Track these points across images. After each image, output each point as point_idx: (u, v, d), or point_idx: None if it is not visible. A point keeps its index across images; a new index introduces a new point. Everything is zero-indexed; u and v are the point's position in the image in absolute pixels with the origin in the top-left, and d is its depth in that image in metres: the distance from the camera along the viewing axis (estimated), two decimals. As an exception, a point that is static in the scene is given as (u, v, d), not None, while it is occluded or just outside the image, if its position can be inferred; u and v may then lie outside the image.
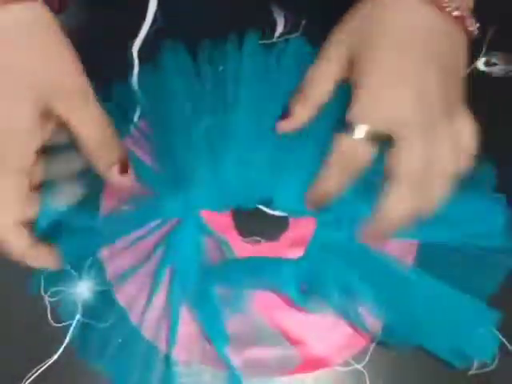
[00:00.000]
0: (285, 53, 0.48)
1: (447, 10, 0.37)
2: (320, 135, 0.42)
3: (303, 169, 0.44)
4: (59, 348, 0.41)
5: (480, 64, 0.49)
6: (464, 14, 0.38)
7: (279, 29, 0.49)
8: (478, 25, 0.39)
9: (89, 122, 0.36)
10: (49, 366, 0.41)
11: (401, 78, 0.36)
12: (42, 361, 0.41)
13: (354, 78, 0.38)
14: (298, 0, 0.50)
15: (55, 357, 0.41)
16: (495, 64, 0.49)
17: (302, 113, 0.40)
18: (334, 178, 0.38)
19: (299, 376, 0.41)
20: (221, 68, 0.47)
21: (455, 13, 0.37)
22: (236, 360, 0.41)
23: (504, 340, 0.41)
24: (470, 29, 0.38)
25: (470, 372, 0.41)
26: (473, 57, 0.49)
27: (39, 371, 0.41)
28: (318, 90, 0.40)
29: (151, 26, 0.48)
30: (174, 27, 0.48)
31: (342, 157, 0.37)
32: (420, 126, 0.36)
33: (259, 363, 0.41)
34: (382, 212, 0.36)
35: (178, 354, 0.41)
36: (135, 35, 0.48)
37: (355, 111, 0.36)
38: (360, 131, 0.36)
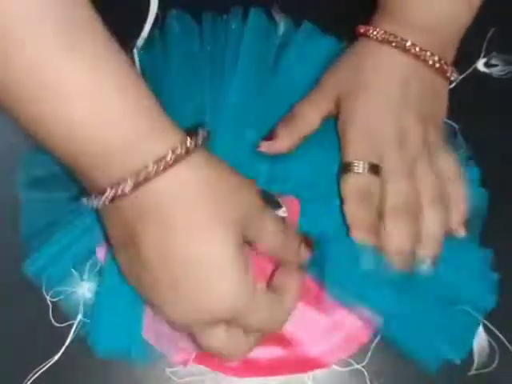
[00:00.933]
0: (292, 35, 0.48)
1: (429, 63, 0.42)
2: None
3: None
4: (61, 348, 0.41)
5: (480, 65, 0.49)
6: (444, 66, 0.42)
7: (280, 30, 0.49)
8: (456, 75, 0.44)
9: (270, 234, 0.37)
10: (50, 366, 0.41)
11: (381, 124, 0.41)
12: (43, 361, 0.41)
13: (341, 122, 0.43)
14: (298, 2, 0.50)
15: (56, 357, 0.41)
16: (495, 65, 0.49)
17: (287, 139, 0.43)
18: (360, 213, 0.41)
19: (300, 376, 0.41)
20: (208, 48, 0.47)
21: (437, 65, 0.42)
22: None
23: (504, 340, 0.42)
24: (451, 78, 0.44)
25: (470, 372, 0.41)
26: (473, 58, 0.49)
27: (40, 371, 0.41)
28: (306, 122, 0.43)
29: (153, 26, 0.48)
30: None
31: (354, 193, 0.41)
32: (400, 163, 0.41)
33: (254, 363, 0.41)
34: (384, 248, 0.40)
35: (173, 355, 0.41)
36: (135, 35, 0.49)
37: (350, 153, 0.42)
38: (360, 167, 0.41)
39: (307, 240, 0.40)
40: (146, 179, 0.31)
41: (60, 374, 0.41)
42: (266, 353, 0.41)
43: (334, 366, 0.41)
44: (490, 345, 0.42)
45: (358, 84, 0.42)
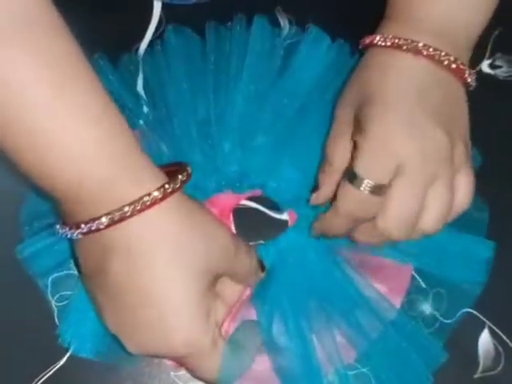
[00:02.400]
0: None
1: (445, 63, 0.38)
2: (320, 125, 0.44)
3: (300, 158, 0.45)
4: (66, 353, 0.41)
5: (484, 66, 0.49)
6: (461, 66, 0.39)
7: (284, 32, 0.49)
8: (474, 78, 0.40)
9: (241, 277, 0.38)
10: (56, 371, 0.41)
11: (402, 132, 0.37)
12: (49, 365, 0.41)
13: (356, 132, 0.38)
14: (302, 3, 0.50)
15: (62, 362, 0.41)
16: (499, 66, 0.49)
17: (330, 182, 0.40)
18: (341, 226, 0.39)
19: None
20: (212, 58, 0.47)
21: (453, 65, 0.38)
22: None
23: (509, 342, 0.42)
24: (468, 80, 0.40)
25: (476, 375, 0.41)
26: (477, 59, 0.49)
27: (46, 376, 0.41)
28: (342, 157, 0.39)
29: (156, 30, 0.48)
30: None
31: (349, 210, 0.38)
32: (417, 178, 0.36)
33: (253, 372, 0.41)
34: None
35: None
36: (138, 39, 0.49)
37: (361, 163, 0.37)
38: (364, 185, 0.36)
39: (263, 267, 0.40)
40: (121, 219, 0.31)
41: (65, 378, 0.41)
42: (261, 361, 0.41)
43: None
44: (496, 348, 0.42)
45: (374, 96, 0.38)
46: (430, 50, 0.38)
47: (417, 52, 0.38)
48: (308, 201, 0.42)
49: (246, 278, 0.38)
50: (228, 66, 0.46)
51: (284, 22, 0.49)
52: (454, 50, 0.39)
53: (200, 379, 0.37)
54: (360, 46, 0.42)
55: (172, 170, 0.35)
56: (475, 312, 0.42)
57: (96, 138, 0.31)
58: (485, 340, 0.42)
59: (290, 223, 0.45)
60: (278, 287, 0.42)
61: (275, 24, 0.49)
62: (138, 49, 0.48)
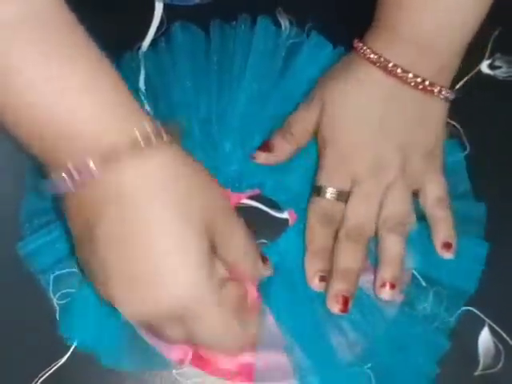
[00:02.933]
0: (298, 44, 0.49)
1: (412, 84, 0.41)
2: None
3: (299, 158, 0.45)
4: (68, 351, 0.41)
5: (484, 67, 0.49)
6: (429, 87, 0.41)
7: (285, 33, 0.49)
8: (448, 94, 0.42)
9: (234, 245, 0.36)
10: (57, 368, 0.41)
11: (357, 149, 0.42)
12: (50, 363, 0.41)
13: (319, 138, 0.44)
14: (302, 4, 0.50)
15: (63, 360, 0.41)
16: (499, 67, 0.49)
17: (285, 148, 0.44)
18: (321, 239, 0.42)
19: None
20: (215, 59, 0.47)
21: (420, 86, 0.41)
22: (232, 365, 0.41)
23: (509, 340, 0.42)
24: (441, 96, 0.42)
25: (476, 373, 0.41)
26: (477, 59, 0.49)
27: (47, 374, 0.41)
28: (303, 131, 0.44)
29: (157, 31, 0.48)
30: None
31: (318, 217, 0.42)
32: (368, 190, 0.42)
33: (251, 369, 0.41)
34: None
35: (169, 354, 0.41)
36: (139, 40, 0.49)
37: (322, 177, 0.43)
38: (329, 193, 0.42)
39: (265, 259, 0.40)
40: (116, 160, 0.30)
41: (66, 377, 0.41)
42: (262, 358, 0.41)
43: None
44: (496, 346, 0.42)
45: (339, 102, 0.43)
46: (399, 70, 0.41)
47: (387, 71, 0.41)
48: (253, 158, 0.44)
49: (240, 261, 0.37)
50: (231, 65, 0.47)
51: (285, 22, 0.50)
52: (432, 66, 0.41)
53: (201, 342, 0.35)
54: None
55: None
56: (475, 310, 0.42)
57: (91, 85, 0.31)
58: (485, 338, 0.42)
59: (290, 222, 0.45)
60: (279, 287, 0.42)
61: (276, 25, 0.49)
62: (139, 49, 0.49)
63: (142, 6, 0.50)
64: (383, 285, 0.41)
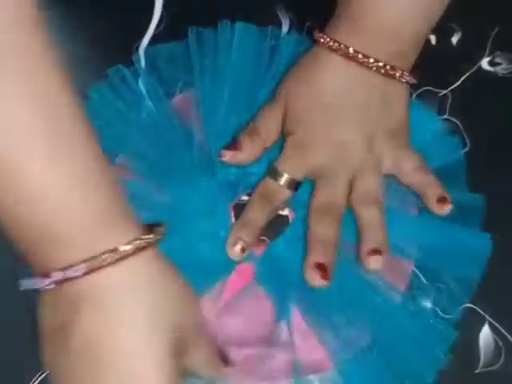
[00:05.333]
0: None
1: (373, 69, 0.42)
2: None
3: None
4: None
5: (484, 63, 0.49)
6: (390, 71, 0.42)
7: (284, 30, 0.49)
8: (409, 78, 0.43)
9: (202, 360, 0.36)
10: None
11: (317, 136, 0.43)
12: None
13: (284, 126, 0.44)
14: (302, 1, 0.50)
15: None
16: (499, 63, 0.49)
17: (253, 150, 0.44)
18: (255, 213, 0.43)
19: (306, 376, 0.41)
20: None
21: (382, 70, 0.42)
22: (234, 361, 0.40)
23: (510, 337, 0.42)
24: (402, 80, 0.43)
25: (477, 370, 0.41)
26: (477, 56, 0.49)
27: (46, 372, 0.41)
28: (270, 131, 0.44)
29: (157, 28, 0.48)
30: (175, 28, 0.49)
31: (263, 197, 0.43)
32: (332, 172, 0.42)
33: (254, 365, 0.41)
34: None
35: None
36: (139, 36, 0.49)
37: (281, 161, 0.43)
38: (283, 179, 0.43)
39: (225, 358, 0.39)
40: (99, 267, 0.30)
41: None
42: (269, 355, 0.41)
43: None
44: (496, 343, 0.42)
45: (301, 94, 0.43)
46: (360, 56, 0.42)
47: (348, 57, 0.42)
48: (220, 156, 0.44)
49: (204, 366, 0.37)
50: (214, 71, 0.47)
51: (285, 20, 0.50)
52: (388, 51, 0.42)
53: None
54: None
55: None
56: (475, 307, 0.42)
57: (81, 187, 0.30)
58: (485, 335, 0.42)
59: (290, 219, 0.45)
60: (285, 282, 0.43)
61: (276, 22, 0.49)
62: (138, 47, 0.49)
63: (141, 3, 0.50)
64: (369, 253, 0.41)
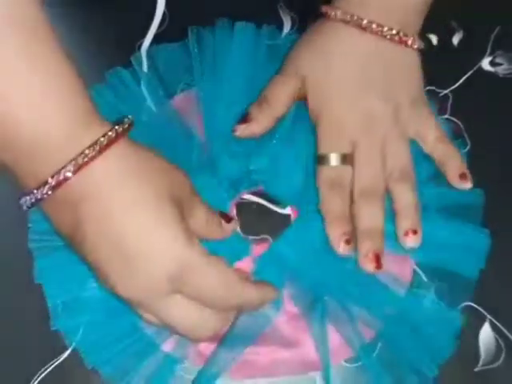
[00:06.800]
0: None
1: (388, 37, 0.42)
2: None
3: (300, 154, 0.45)
4: (66, 350, 0.41)
5: (485, 64, 0.49)
6: (403, 37, 0.43)
7: (286, 29, 0.49)
8: (420, 43, 0.43)
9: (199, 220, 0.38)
10: (56, 366, 0.41)
11: (346, 111, 0.43)
12: (49, 361, 0.41)
13: (310, 111, 0.44)
14: (304, 0, 0.50)
15: (63, 357, 0.41)
16: (500, 64, 0.49)
17: (263, 120, 0.44)
18: (332, 202, 0.42)
19: (308, 374, 0.41)
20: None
21: (396, 38, 0.43)
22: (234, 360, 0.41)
23: (510, 336, 0.42)
24: (414, 46, 0.43)
25: (477, 368, 0.41)
26: (478, 56, 0.49)
27: (46, 371, 0.41)
28: (280, 100, 0.44)
29: (159, 27, 0.48)
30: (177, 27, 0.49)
31: (328, 184, 0.43)
32: (369, 145, 0.42)
33: (253, 364, 0.41)
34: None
35: (169, 348, 0.41)
36: (140, 35, 0.49)
37: (322, 145, 0.43)
38: (333, 159, 0.42)
39: (225, 215, 0.41)
40: (85, 163, 0.33)
41: (67, 373, 0.41)
42: (266, 353, 0.41)
43: (343, 362, 0.41)
44: (497, 341, 0.42)
45: (321, 69, 0.43)
46: (374, 26, 0.42)
47: (362, 28, 0.42)
48: (233, 130, 0.44)
49: (203, 229, 0.39)
50: (214, 72, 0.47)
51: (286, 18, 0.50)
52: (398, 20, 0.43)
53: (204, 302, 0.36)
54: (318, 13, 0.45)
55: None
56: (476, 305, 0.42)
57: (53, 92, 0.33)
58: (486, 333, 0.42)
59: (292, 217, 0.45)
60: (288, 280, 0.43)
61: (277, 21, 0.49)
62: (140, 46, 0.49)
63: (142, 2, 0.50)
64: (406, 233, 0.42)
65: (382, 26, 0.42)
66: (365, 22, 0.42)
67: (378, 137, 0.43)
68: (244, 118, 0.44)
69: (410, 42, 0.43)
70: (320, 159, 0.43)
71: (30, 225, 0.44)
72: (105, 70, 0.47)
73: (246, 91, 0.47)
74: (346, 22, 0.43)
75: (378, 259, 0.41)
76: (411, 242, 0.42)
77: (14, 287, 0.43)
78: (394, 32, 0.42)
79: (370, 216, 0.42)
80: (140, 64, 0.47)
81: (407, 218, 0.42)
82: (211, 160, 0.45)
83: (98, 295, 0.42)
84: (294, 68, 0.45)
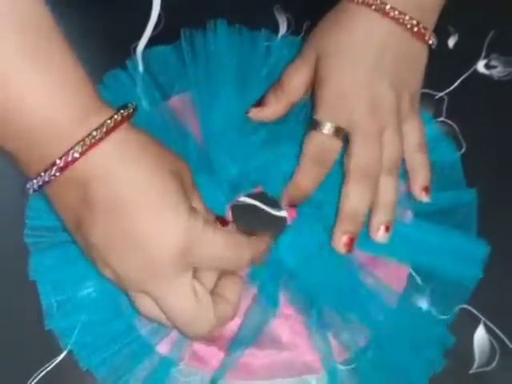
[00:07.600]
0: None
1: (408, 26, 0.42)
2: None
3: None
4: (62, 351, 0.41)
5: (480, 66, 0.49)
6: (422, 30, 0.42)
7: (282, 31, 0.49)
8: (434, 40, 0.43)
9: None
10: (53, 367, 0.41)
11: (354, 86, 0.42)
12: (45, 363, 0.41)
13: (316, 79, 0.43)
14: (300, 2, 0.50)
15: (60, 358, 0.41)
16: (495, 66, 0.49)
17: (277, 105, 0.45)
18: (309, 173, 0.43)
19: (303, 376, 0.41)
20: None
21: (415, 29, 0.42)
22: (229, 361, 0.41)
23: (504, 338, 0.42)
24: (430, 41, 0.43)
25: (471, 370, 0.42)
26: (473, 59, 0.49)
27: (44, 372, 0.41)
28: (295, 86, 0.44)
29: (154, 28, 0.48)
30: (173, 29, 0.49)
31: (314, 152, 0.42)
32: (370, 128, 0.42)
33: (249, 366, 0.41)
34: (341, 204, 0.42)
35: (165, 350, 0.41)
36: (136, 37, 0.49)
37: (320, 111, 0.42)
38: (327, 127, 0.41)
39: (222, 220, 0.42)
40: (93, 145, 0.33)
41: (64, 374, 0.41)
42: (261, 356, 0.41)
43: (337, 365, 0.41)
44: (491, 343, 0.42)
45: (335, 45, 0.43)
46: (396, 12, 0.42)
47: (384, 13, 0.42)
48: (247, 112, 0.45)
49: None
50: (209, 76, 0.47)
51: (282, 20, 0.50)
52: (419, 11, 0.42)
53: (218, 267, 0.38)
54: None
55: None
56: (470, 308, 0.43)
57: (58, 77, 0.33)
58: (480, 336, 0.42)
59: (288, 220, 0.45)
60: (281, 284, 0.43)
61: (273, 23, 0.50)
62: (135, 48, 0.49)
63: (138, 4, 0.50)
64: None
65: (405, 14, 0.42)
66: (388, 7, 0.42)
67: (379, 123, 0.42)
68: (259, 102, 0.45)
69: (427, 35, 0.43)
70: (313, 124, 0.42)
71: (26, 221, 0.44)
72: (101, 72, 0.47)
73: (241, 93, 0.47)
74: (368, 5, 0.42)
75: (351, 243, 0.42)
76: (382, 236, 0.42)
77: (12, 287, 0.43)
78: (414, 22, 0.42)
79: (359, 197, 0.42)
80: (136, 66, 0.48)
81: (386, 214, 0.42)
82: (208, 162, 0.45)
83: (93, 296, 0.42)
84: (311, 50, 0.44)
